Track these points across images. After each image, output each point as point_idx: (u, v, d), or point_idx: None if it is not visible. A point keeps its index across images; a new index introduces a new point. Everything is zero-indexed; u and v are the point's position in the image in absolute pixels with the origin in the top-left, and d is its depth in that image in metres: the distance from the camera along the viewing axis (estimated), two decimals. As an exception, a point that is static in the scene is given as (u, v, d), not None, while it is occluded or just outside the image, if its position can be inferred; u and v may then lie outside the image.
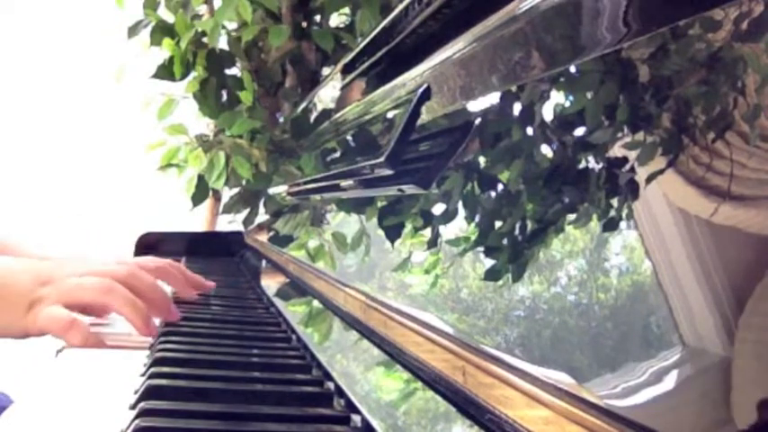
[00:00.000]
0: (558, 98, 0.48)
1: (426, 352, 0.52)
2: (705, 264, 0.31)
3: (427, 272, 0.60)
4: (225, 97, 2.23)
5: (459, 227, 0.57)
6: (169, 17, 2.22)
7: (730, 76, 0.32)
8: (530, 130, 0.51)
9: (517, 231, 0.48)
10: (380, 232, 0.75)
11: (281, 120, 2.15)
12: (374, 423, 0.51)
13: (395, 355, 0.58)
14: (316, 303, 0.86)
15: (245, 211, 2.11)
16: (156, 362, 0.65)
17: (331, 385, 0.62)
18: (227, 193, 2.25)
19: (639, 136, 0.37)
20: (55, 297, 0.76)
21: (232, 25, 2.19)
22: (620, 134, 0.39)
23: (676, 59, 0.36)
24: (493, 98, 0.57)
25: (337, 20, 2.19)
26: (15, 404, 0.55)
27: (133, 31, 2.25)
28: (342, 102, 1.11)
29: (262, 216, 1.72)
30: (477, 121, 0.59)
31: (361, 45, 0.99)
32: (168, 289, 0.96)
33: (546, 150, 0.48)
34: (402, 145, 0.67)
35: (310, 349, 0.72)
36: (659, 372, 0.31)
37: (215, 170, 2.09)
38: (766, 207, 0.29)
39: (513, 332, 0.45)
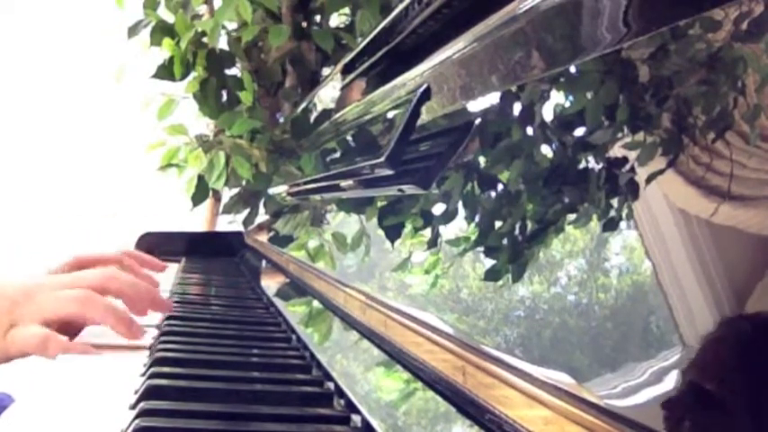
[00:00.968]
0: (558, 98, 0.48)
1: (426, 352, 0.52)
2: (705, 264, 0.31)
3: (427, 272, 0.60)
4: (225, 97, 2.23)
5: (459, 227, 0.57)
6: (169, 17, 2.22)
7: (730, 77, 0.32)
8: (530, 131, 0.51)
9: (517, 231, 0.48)
10: (380, 232, 0.75)
11: (281, 120, 2.15)
12: (374, 423, 0.51)
13: (395, 355, 0.58)
14: (316, 303, 0.86)
15: (246, 212, 2.11)
16: (156, 362, 0.65)
17: (331, 385, 0.62)
18: (228, 194, 2.25)
19: (639, 136, 0.37)
20: (32, 316, 0.74)
21: (232, 25, 2.19)
22: (620, 134, 0.39)
23: (676, 59, 0.36)
24: (493, 98, 0.57)
25: (337, 20, 2.19)
26: (16, 404, 0.55)
27: (133, 31, 2.25)
28: (342, 102, 1.11)
29: (262, 216, 1.72)
30: (477, 121, 0.59)
31: (361, 45, 0.99)
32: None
33: (546, 150, 0.48)
34: (402, 145, 0.67)
35: (310, 349, 0.72)
36: (659, 372, 0.31)
37: (215, 170, 2.09)
38: (766, 207, 0.29)
39: (513, 332, 0.45)
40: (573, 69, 0.46)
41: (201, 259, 1.53)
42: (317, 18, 2.16)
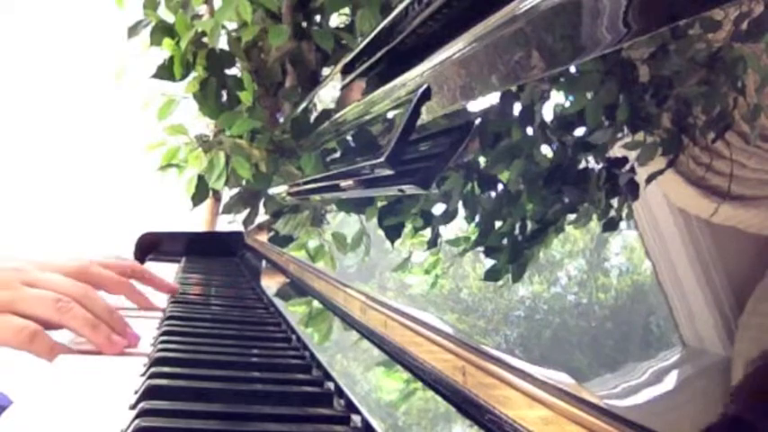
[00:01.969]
0: (558, 98, 0.48)
1: (426, 352, 0.52)
2: (705, 264, 0.31)
3: (427, 272, 0.60)
4: (225, 97, 2.23)
5: (459, 227, 0.57)
6: (169, 17, 2.22)
7: (730, 77, 0.32)
8: (530, 131, 0.51)
9: (517, 231, 0.48)
10: (380, 232, 0.75)
11: (281, 120, 2.15)
12: (374, 423, 0.51)
13: (395, 355, 0.58)
14: (316, 303, 0.86)
15: (245, 212, 2.11)
16: (156, 362, 0.65)
17: (331, 385, 0.62)
18: (227, 194, 2.25)
19: (639, 136, 0.37)
20: (7, 304, 0.72)
21: (232, 25, 2.19)
22: (620, 134, 0.39)
23: (676, 59, 0.36)
24: (493, 98, 0.57)
25: (337, 20, 2.19)
26: (15, 404, 0.55)
27: (133, 31, 2.25)
28: (342, 102, 1.11)
29: (262, 216, 1.72)
30: (478, 121, 0.59)
31: (362, 45, 0.99)
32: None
33: (546, 150, 0.48)
34: (402, 145, 0.67)
35: (310, 349, 0.72)
36: (659, 372, 0.31)
37: (215, 170, 2.09)
38: (766, 207, 0.29)
39: (513, 332, 0.45)
40: (573, 69, 0.46)
41: (201, 259, 1.53)
42: (317, 18, 2.16)
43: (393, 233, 0.70)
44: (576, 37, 0.45)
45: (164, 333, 0.77)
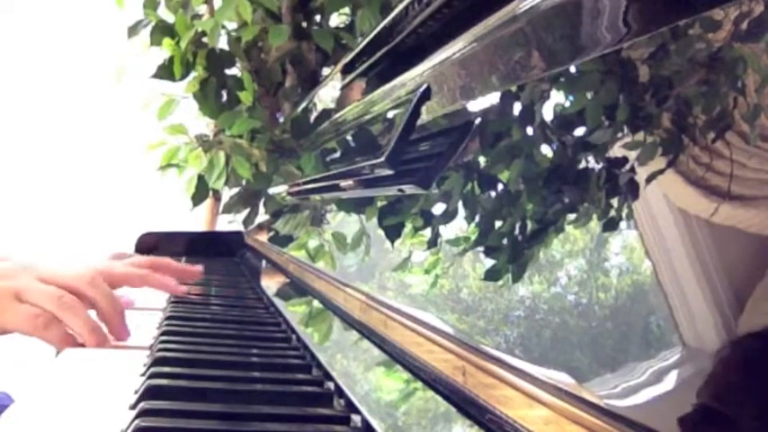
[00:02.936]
0: (558, 98, 0.48)
1: (426, 352, 0.52)
2: (705, 264, 0.31)
3: (427, 272, 0.60)
4: (225, 97, 2.23)
5: (459, 227, 0.57)
6: (169, 17, 2.22)
7: (730, 76, 0.32)
8: (530, 130, 0.51)
9: (517, 231, 0.48)
10: (380, 232, 0.75)
11: (281, 120, 2.15)
12: (374, 423, 0.51)
13: (395, 355, 0.58)
14: (316, 303, 0.86)
15: (245, 211, 2.11)
16: (157, 362, 0.65)
17: (331, 385, 0.62)
18: (227, 193, 2.25)
19: (639, 136, 0.37)
20: (11, 292, 0.73)
21: (232, 25, 2.19)
22: (620, 134, 0.39)
23: (676, 59, 0.36)
24: (493, 98, 0.57)
25: (337, 20, 2.19)
26: (15, 404, 0.55)
27: (133, 31, 2.25)
28: (342, 102, 1.11)
29: (262, 216, 1.72)
30: (477, 120, 0.59)
31: (361, 45, 0.99)
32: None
33: (546, 150, 0.48)
34: (402, 145, 0.67)
35: (310, 349, 0.72)
36: (659, 372, 0.31)
37: (215, 170, 2.09)
38: (766, 207, 0.29)
39: (513, 332, 0.45)
40: (573, 69, 0.46)
41: (201, 259, 1.53)
42: (317, 18, 2.16)
43: (393, 233, 0.70)
44: (576, 37, 0.45)
45: (164, 333, 0.77)
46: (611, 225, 0.38)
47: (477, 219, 0.55)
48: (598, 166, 0.41)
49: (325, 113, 1.23)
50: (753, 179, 0.30)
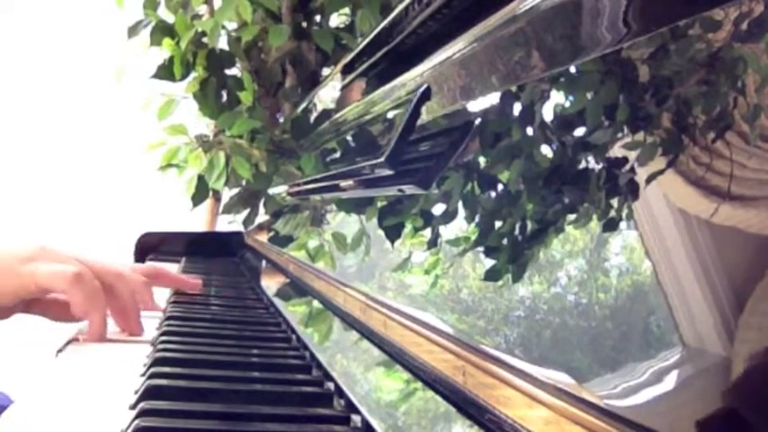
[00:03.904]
0: (557, 98, 0.48)
1: (426, 352, 0.52)
2: (705, 264, 0.31)
3: (427, 272, 0.60)
4: (225, 97, 2.23)
5: (459, 227, 0.57)
6: (169, 17, 2.22)
7: (730, 76, 0.32)
8: (530, 131, 0.51)
9: (517, 231, 0.48)
10: (380, 232, 0.75)
11: (281, 120, 2.15)
12: (374, 423, 0.51)
13: (395, 356, 0.58)
14: (316, 303, 0.86)
15: (245, 212, 2.11)
16: (156, 362, 0.65)
17: (331, 385, 0.62)
18: (227, 194, 2.25)
19: (639, 136, 0.37)
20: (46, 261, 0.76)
21: (232, 25, 2.18)
22: (620, 134, 0.39)
23: (676, 59, 0.36)
24: (493, 98, 0.57)
25: (337, 20, 2.19)
26: (15, 404, 0.55)
27: (133, 31, 2.25)
28: (342, 102, 1.11)
29: (262, 216, 1.72)
30: (477, 121, 0.59)
31: (361, 45, 0.99)
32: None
33: (546, 150, 0.48)
34: (402, 145, 0.67)
35: (310, 349, 0.72)
36: (659, 372, 0.31)
37: (215, 170, 2.09)
38: (766, 207, 0.29)
39: (513, 332, 0.45)
40: (573, 69, 0.46)
41: (201, 259, 1.53)
42: (317, 18, 2.16)
43: (393, 233, 0.70)
44: (576, 37, 0.45)
45: (164, 333, 0.77)
46: (611, 225, 0.38)
47: (477, 219, 0.55)
48: (598, 167, 0.41)
49: (325, 114, 1.23)
50: (753, 179, 0.30)
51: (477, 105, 0.59)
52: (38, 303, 0.81)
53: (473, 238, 0.54)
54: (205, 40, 2.11)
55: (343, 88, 1.10)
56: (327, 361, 0.66)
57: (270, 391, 0.59)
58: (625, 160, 0.38)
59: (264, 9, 2.04)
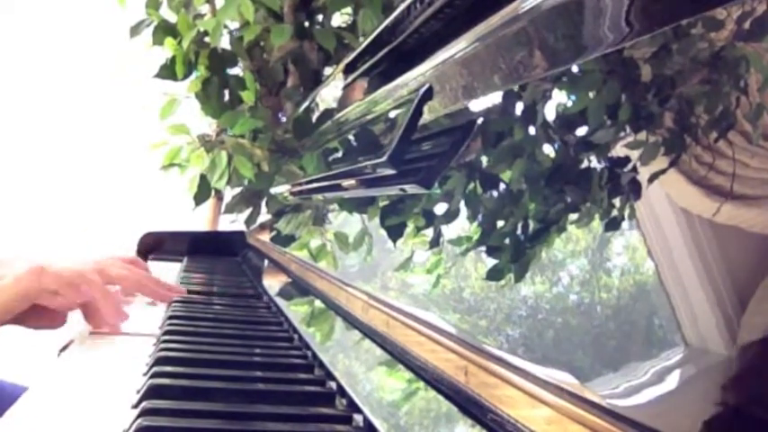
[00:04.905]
0: (560, 98, 0.48)
1: (428, 352, 0.52)
2: (707, 263, 0.31)
3: (429, 271, 0.60)
4: (227, 97, 2.23)
5: (461, 226, 0.57)
6: (171, 17, 2.22)
7: (733, 76, 0.32)
8: (532, 130, 0.50)
9: (519, 231, 0.48)
10: (382, 232, 0.75)
11: (284, 119, 2.15)
12: (376, 423, 0.51)
13: (397, 355, 0.58)
14: (318, 303, 0.86)
15: (248, 211, 2.11)
16: (159, 361, 0.65)
17: (333, 385, 0.62)
18: (230, 193, 2.25)
19: (642, 135, 0.37)
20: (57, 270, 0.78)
21: (234, 25, 2.19)
22: (622, 134, 0.39)
23: (678, 59, 0.36)
24: (495, 98, 0.57)
25: (339, 19, 2.19)
26: (16, 404, 0.55)
27: (135, 30, 2.25)
28: (344, 101, 1.11)
29: (264, 216, 1.72)
30: (480, 120, 0.59)
31: (364, 45, 0.99)
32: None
33: (548, 150, 0.48)
34: (404, 144, 0.67)
35: (312, 349, 0.72)
36: (662, 371, 0.31)
37: (217, 170, 2.09)
38: (769, 207, 0.29)
39: (515, 332, 0.45)
40: (575, 69, 0.46)
41: (204, 259, 1.53)
42: (319, 17, 2.16)
43: (395, 233, 0.70)
44: (579, 36, 0.45)
45: (166, 332, 0.77)
46: (613, 225, 0.38)
47: (479, 218, 0.55)
48: (600, 166, 0.41)
49: (327, 113, 1.23)
50: (755, 179, 0.30)
51: (479, 105, 0.59)
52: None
53: (475, 237, 0.54)
54: (207, 39, 2.11)
55: (345, 88, 1.10)
56: (329, 360, 0.66)
57: (272, 390, 0.60)
58: (627, 160, 0.38)
59: (266, 8, 2.04)
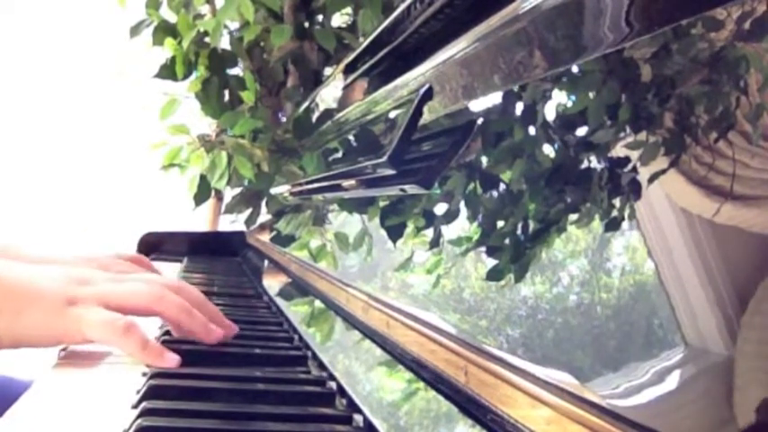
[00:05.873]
0: (560, 98, 0.48)
1: (428, 352, 0.52)
2: (707, 263, 0.31)
3: (429, 272, 0.60)
4: (227, 97, 2.23)
5: (461, 227, 0.57)
6: (171, 17, 2.22)
7: (732, 76, 0.32)
8: (532, 130, 0.51)
9: (519, 231, 0.48)
10: (382, 232, 0.75)
11: (284, 120, 2.15)
12: (376, 423, 0.51)
13: (397, 355, 0.58)
14: (318, 303, 0.86)
15: (248, 211, 2.11)
16: (159, 361, 0.65)
17: (333, 385, 0.62)
18: (230, 193, 2.25)
19: (642, 136, 0.37)
20: (95, 297, 0.67)
21: (234, 25, 2.19)
22: (622, 134, 0.39)
23: (678, 59, 0.36)
24: (495, 98, 0.57)
25: (339, 19, 2.19)
26: (17, 404, 0.55)
27: (135, 30, 2.25)
28: (344, 101, 1.11)
29: (264, 216, 1.72)
30: (480, 120, 0.59)
31: (363, 45, 0.99)
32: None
33: (548, 150, 0.48)
34: (404, 145, 0.67)
35: (312, 349, 0.72)
36: (662, 372, 0.31)
37: (217, 170, 2.09)
38: (769, 207, 0.29)
39: (515, 332, 0.45)
40: (575, 69, 0.46)
41: (203, 259, 1.53)
42: (319, 18, 2.16)
43: (395, 233, 0.70)
44: (579, 36, 0.45)
45: (166, 332, 0.77)
46: (613, 225, 0.38)
47: (479, 219, 0.55)
48: (600, 166, 0.41)
49: (327, 113, 1.23)
50: (755, 179, 0.30)
51: (479, 105, 0.59)
52: None
53: (475, 237, 0.54)
54: (207, 39, 2.11)
55: (345, 88, 1.10)
56: (329, 360, 0.66)
57: (272, 390, 0.59)
58: (627, 160, 0.38)
59: (266, 9, 2.04)
